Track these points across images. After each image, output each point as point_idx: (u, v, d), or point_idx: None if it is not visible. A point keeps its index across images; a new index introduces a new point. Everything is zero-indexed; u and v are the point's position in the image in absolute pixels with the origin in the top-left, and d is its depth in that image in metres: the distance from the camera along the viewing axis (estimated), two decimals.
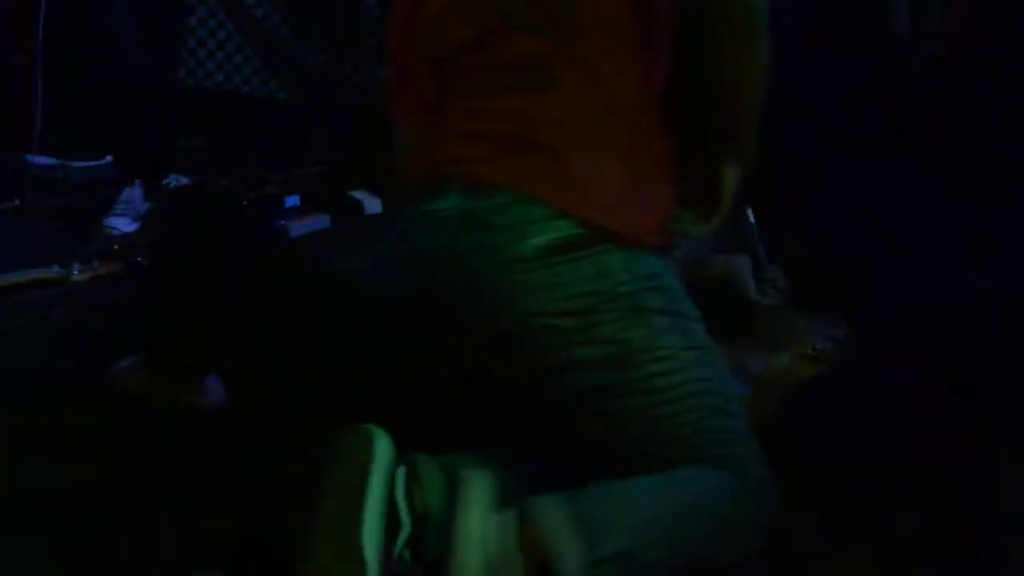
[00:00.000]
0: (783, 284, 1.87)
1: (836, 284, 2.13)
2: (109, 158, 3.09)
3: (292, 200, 2.62)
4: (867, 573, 1.53)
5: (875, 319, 2.05)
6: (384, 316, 1.60)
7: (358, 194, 2.95)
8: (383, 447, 1.08)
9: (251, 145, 3.34)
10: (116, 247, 2.58)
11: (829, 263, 2.18)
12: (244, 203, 2.70)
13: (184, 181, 2.73)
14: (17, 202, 2.92)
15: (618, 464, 1.12)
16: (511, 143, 1.15)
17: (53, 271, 2.48)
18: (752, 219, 1.97)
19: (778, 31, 1.27)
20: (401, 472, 1.10)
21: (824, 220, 2.29)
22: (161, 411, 2.01)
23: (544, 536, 1.01)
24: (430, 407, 1.48)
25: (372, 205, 2.91)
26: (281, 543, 1.26)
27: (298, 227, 2.56)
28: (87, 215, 2.83)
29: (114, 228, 2.62)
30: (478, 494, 1.04)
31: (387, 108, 1.41)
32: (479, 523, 1.02)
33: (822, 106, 2.58)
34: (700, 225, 1.34)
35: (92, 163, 3.12)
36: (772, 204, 1.62)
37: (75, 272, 2.45)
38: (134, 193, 2.77)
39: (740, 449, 1.16)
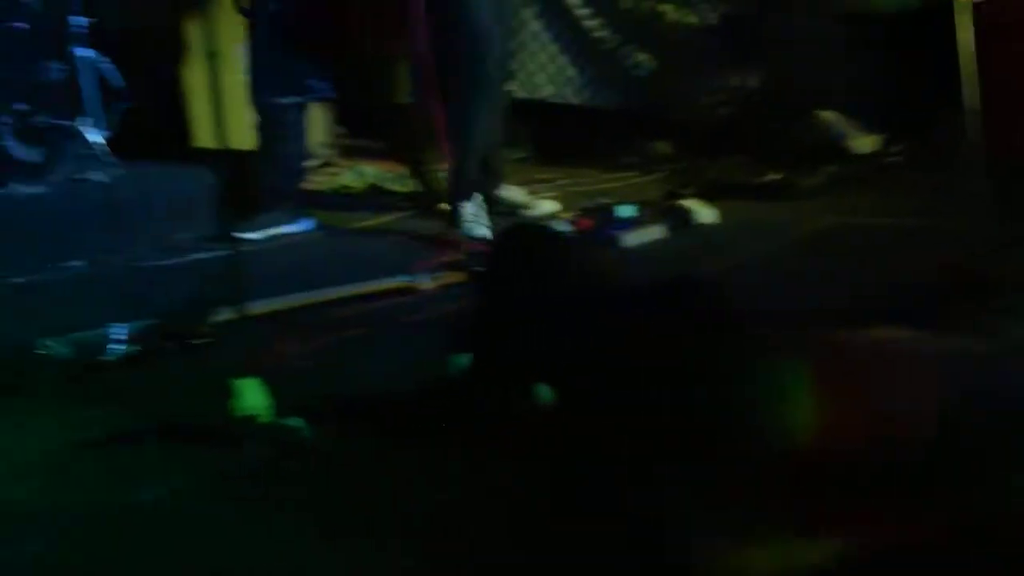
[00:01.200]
0: None
1: None
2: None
3: (627, 210, 2.74)
4: None
5: None
6: None
7: (688, 203, 3.00)
8: None
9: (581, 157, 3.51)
10: (462, 258, 2.76)
11: None
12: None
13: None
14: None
15: None
16: None
17: (403, 280, 2.71)
18: None
19: None
20: None
21: None
22: (492, 411, 2.00)
23: None
24: None
25: (705, 215, 2.95)
26: None
27: (634, 237, 2.65)
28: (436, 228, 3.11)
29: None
30: None
31: None
32: None
33: None
34: None
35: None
36: None
37: (427, 279, 2.69)
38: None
39: None
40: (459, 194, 3.16)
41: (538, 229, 2.58)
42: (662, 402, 1.77)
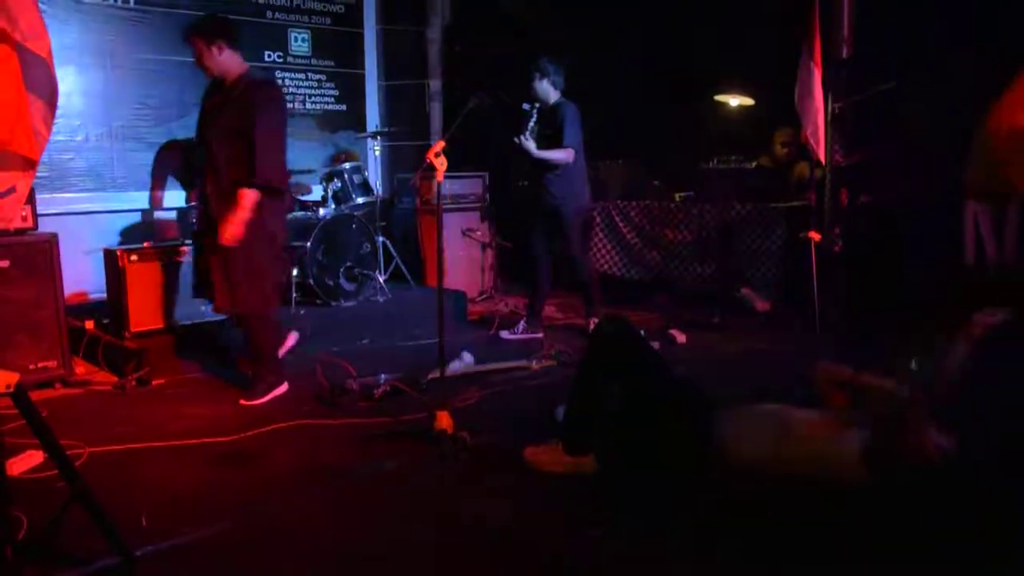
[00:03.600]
0: None
1: None
2: None
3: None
4: None
5: None
6: None
7: (673, 331, 4.13)
8: None
9: (622, 302, 4.42)
10: (553, 352, 3.91)
11: None
12: None
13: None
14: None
15: None
16: None
17: (523, 362, 3.78)
18: None
19: None
20: None
21: None
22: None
23: None
24: None
25: (681, 338, 4.06)
26: None
27: None
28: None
29: None
30: None
31: None
32: None
33: None
34: None
35: None
36: None
37: (534, 363, 3.77)
38: None
39: None
40: (530, 323, 4.48)
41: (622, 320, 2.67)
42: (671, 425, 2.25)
